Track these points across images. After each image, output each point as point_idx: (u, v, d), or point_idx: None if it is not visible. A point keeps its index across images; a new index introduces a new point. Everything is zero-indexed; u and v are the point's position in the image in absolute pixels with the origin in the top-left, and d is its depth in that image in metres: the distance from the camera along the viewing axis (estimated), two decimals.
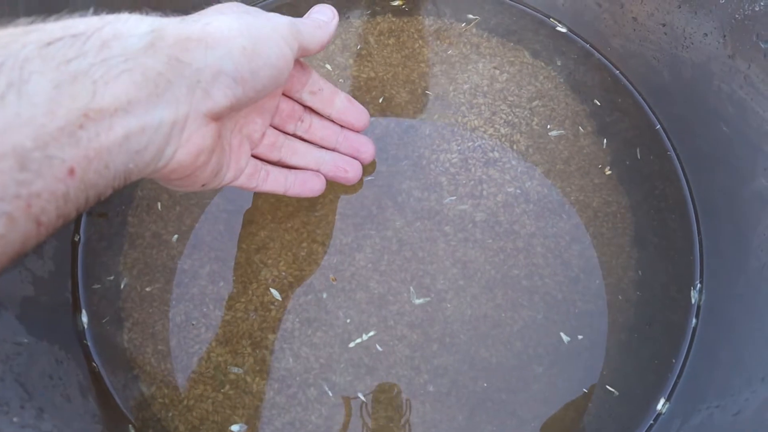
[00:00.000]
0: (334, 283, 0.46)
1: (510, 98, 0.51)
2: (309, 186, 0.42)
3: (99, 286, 0.46)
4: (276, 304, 0.46)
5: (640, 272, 0.47)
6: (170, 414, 0.44)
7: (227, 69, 0.26)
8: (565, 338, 0.45)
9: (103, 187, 0.23)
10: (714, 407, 0.40)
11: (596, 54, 0.53)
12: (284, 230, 0.47)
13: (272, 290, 0.46)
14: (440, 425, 0.43)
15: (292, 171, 0.41)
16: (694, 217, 0.49)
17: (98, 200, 0.23)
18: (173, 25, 0.25)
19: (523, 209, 0.48)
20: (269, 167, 0.39)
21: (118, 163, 0.23)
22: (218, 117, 0.28)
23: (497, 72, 0.52)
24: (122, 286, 0.46)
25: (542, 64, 0.52)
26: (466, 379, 0.44)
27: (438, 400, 0.44)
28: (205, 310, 0.46)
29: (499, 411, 0.44)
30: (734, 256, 0.44)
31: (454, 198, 0.48)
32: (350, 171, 0.43)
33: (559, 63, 0.53)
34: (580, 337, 0.45)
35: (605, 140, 0.50)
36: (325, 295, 0.46)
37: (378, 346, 0.45)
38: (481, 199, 0.48)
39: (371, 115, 0.49)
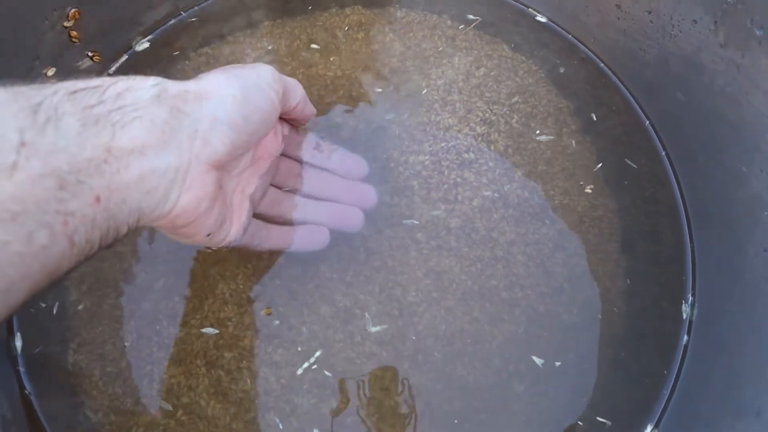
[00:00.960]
0: (269, 315, 0.43)
1: (487, 94, 0.48)
2: (312, 240, 0.42)
3: (44, 305, 0.43)
4: (233, 320, 0.42)
5: (628, 281, 0.44)
6: None
7: (221, 117, 0.30)
8: (538, 361, 0.42)
9: (121, 222, 0.26)
10: None
11: (580, 46, 0.50)
12: None
13: (205, 330, 0.42)
14: None
15: (294, 227, 0.42)
16: (685, 222, 0.46)
17: (116, 237, 0.26)
18: (173, 82, 0.29)
19: (502, 215, 0.45)
20: (270, 226, 0.40)
21: (133, 201, 0.26)
22: (218, 165, 0.31)
23: (473, 67, 0.49)
24: (70, 303, 0.43)
25: (522, 57, 0.49)
26: (440, 399, 0.41)
27: (410, 423, 0.41)
28: (158, 327, 0.43)
29: None
30: (729, 266, 0.42)
31: (417, 222, 0.44)
32: (352, 219, 0.42)
33: (542, 57, 0.49)
34: (558, 362, 0.42)
35: (591, 139, 0.47)
36: (286, 310, 0.43)
37: (343, 365, 0.42)
38: (456, 204, 0.45)
39: (338, 114, 0.47)
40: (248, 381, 0.41)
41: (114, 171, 0.25)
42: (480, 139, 0.47)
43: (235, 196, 0.37)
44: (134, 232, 0.35)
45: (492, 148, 0.46)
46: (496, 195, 0.45)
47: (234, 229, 0.36)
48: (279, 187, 0.42)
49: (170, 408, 0.41)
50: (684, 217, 0.46)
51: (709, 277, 0.44)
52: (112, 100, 0.26)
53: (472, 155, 0.46)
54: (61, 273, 0.24)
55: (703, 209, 0.45)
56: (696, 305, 0.44)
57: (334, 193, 0.43)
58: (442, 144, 0.46)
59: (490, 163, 0.46)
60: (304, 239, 0.42)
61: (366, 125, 0.47)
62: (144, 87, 0.27)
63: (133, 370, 0.42)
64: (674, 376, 0.42)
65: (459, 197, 0.45)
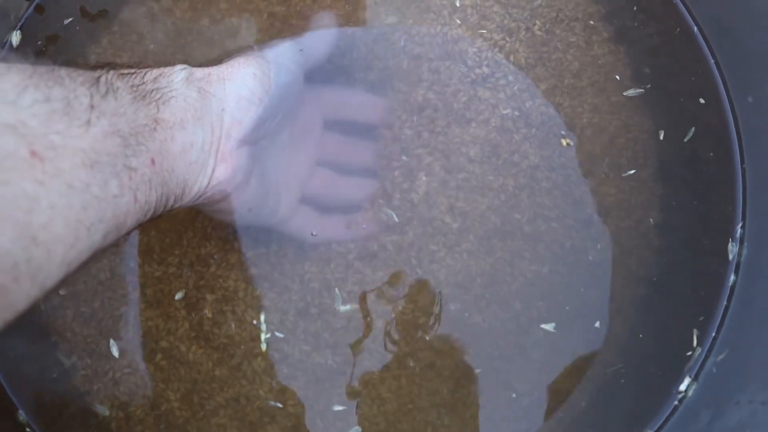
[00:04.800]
0: (259, 253, 0.40)
1: None
2: (365, 229, 0.42)
3: None
4: (216, 257, 0.40)
5: (664, 213, 0.41)
6: (95, 387, 0.40)
7: (244, 94, 0.33)
8: (548, 327, 0.40)
9: (170, 191, 0.29)
10: (759, 403, 0.33)
11: None
12: None
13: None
14: (418, 400, 0.39)
15: (347, 218, 0.41)
16: (737, 144, 0.41)
17: (165, 206, 0.29)
18: (198, 69, 0.32)
19: (524, 135, 0.41)
20: (324, 218, 0.41)
21: (179, 171, 0.29)
22: (250, 139, 0.33)
23: None
24: None
25: None
26: (452, 348, 0.40)
27: (416, 374, 0.39)
28: (132, 264, 0.40)
29: (491, 382, 0.39)
30: None
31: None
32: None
33: None
34: (583, 304, 0.40)
35: (624, 49, 0.43)
36: (279, 249, 0.40)
37: (343, 315, 0.39)
38: (471, 125, 0.41)
39: (330, 20, 0.43)
40: (233, 325, 0.39)
41: (163, 139, 0.28)
42: (497, 49, 0.42)
43: (278, 172, 0.38)
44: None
45: (511, 59, 0.42)
46: (516, 113, 0.41)
47: (282, 210, 0.38)
48: (326, 164, 0.41)
49: (149, 352, 0.39)
50: (735, 138, 0.42)
51: (763, 209, 0.40)
52: (151, 82, 0.29)
53: (486, 69, 0.42)
54: (125, 229, 0.27)
55: (756, 129, 0.41)
56: (746, 242, 0.40)
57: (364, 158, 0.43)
58: (453, 56, 0.42)
59: (510, 77, 0.42)
60: (358, 229, 0.41)
61: (365, 34, 0.42)
62: (174, 72, 0.31)
63: (107, 311, 0.40)
64: (717, 322, 0.40)
65: (478, 117, 0.41)
